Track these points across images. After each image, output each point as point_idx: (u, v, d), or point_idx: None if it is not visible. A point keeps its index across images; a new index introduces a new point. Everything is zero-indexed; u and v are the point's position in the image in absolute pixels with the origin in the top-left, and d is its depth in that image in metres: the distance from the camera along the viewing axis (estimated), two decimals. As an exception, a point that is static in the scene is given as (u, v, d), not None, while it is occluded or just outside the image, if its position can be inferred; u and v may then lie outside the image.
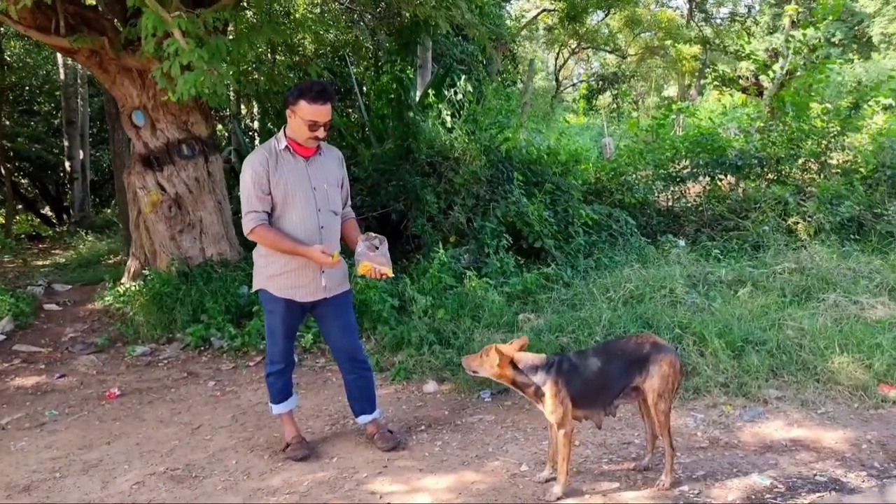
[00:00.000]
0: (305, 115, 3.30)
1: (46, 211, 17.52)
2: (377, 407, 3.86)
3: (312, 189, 3.44)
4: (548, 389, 3.07)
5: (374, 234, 3.50)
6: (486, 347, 3.19)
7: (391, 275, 3.44)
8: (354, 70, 10.64)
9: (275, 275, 3.47)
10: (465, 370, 3.27)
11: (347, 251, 3.60)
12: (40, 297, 7.57)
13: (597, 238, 7.36)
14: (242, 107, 14.52)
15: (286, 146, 3.41)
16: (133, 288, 6.79)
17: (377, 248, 3.43)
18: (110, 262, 9.94)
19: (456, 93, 8.15)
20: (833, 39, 15.48)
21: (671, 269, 6.10)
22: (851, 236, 7.14)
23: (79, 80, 14.35)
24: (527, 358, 3.15)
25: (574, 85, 31.33)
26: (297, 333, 4.18)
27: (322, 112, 3.31)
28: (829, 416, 3.87)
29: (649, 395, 3.09)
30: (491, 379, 3.21)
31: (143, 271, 6.93)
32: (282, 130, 3.46)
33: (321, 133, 3.37)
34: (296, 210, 3.40)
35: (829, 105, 8.82)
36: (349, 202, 3.73)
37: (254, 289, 3.64)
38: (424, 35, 9.41)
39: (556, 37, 24.83)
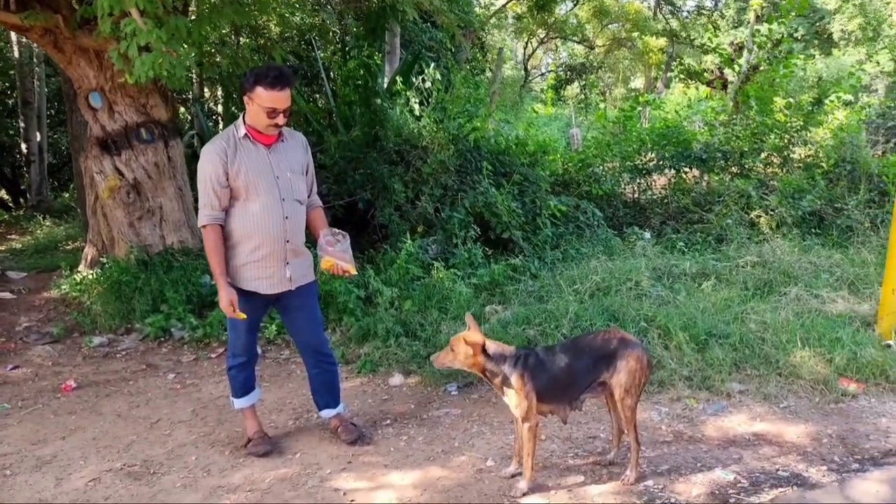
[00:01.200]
0: (263, 101, 3.17)
1: (2, 194, 16.96)
2: (341, 401, 3.80)
3: (276, 178, 3.32)
4: (514, 383, 3.04)
5: (336, 230, 3.44)
6: (452, 340, 3.14)
7: (354, 273, 3.42)
8: (321, 55, 10.45)
9: (238, 266, 3.35)
10: (437, 368, 3.21)
11: (312, 241, 3.52)
12: (-8, 284, 7.32)
13: (564, 229, 7.36)
14: (206, 90, 14.20)
15: (245, 134, 3.29)
16: (90, 276, 6.59)
17: (339, 241, 3.37)
18: (68, 247, 9.67)
19: (424, 80, 8.06)
20: (796, 35, 15.75)
21: (637, 261, 6.13)
22: (812, 230, 7.27)
23: (35, 59, 13.86)
24: (497, 346, 3.12)
25: (542, 75, 31.40)
26: (261, 325, 4.08)
27: (280, 98, 3.18)
28: (791, 410, 3.93)
29: (616, 391, 3.08)
30: (462, 370, 3.17)
31: (101, 259, 6.72)
32: (241, 117, 3.34)
33: (280, 120, 3.24)
34: (258, 200, 3.29)
35: (791, 100, 8.95)
36: (315, 189, 3.62)
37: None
38: (393, 21, 9.29)
39: (525, 26, 24.82)
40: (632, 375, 3.06)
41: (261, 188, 3.28)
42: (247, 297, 3.37)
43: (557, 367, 3.10)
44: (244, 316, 3.30)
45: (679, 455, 3.48)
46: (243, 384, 3.63)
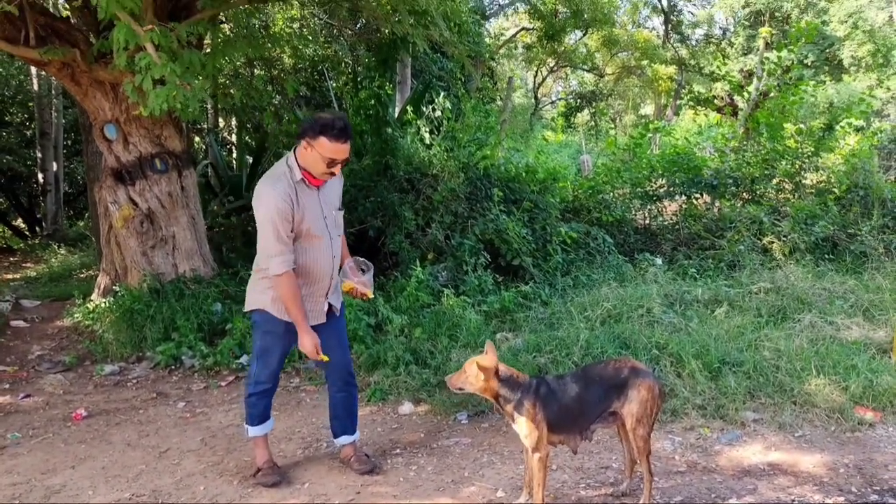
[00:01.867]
0: (325, 151, 3.19)
1: (18, 223, 17.17)
2: (357, 430, 3.78)
3: (324, 218, 3.39)
4: (524, 412, 3.02)
5: (362, 259, 3.53)
6: (466, 363, 3.12)
7: (371, 296, 3.51)
8: (333, 85, 10.59)
9: (280, 298, 3.35)
10: (450, 388, 3.19)
11: None
12: (7, 312, 7.37)
13: (574, 256, 7.35)
14: (220, 120, 14.40)
15: (301, 178, 3.28)
16: (103, 304, 6.64)
17: (363, 271, 3.47)
18: (82, 276, 9.74)
19: (434, 109, 8.14)
20: (806, 61, 15.79)
21: (648, 287, 6.10)
22: (826, 256, 7.21)
23: (53, 91, 14.13)
24: (509, 372, 3.10)
25: (552, 102, 31.59)
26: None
27: (342, 150, 3.21)
28: (806, 440, 3.86)
29: (628, 421, 3.04)
30: (476, 394, 3.14)
31: (114, 287, 6.77)
32: (292, 158, 3.30)
33: (337, 170, 3.29)
34: (314, 242, 3.34)
35: (802, 126, 8.94)
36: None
37: (248, 307, 3.50)
38: (403, 52, 9.41)
39: (535, 55, 25.06)
40: (643, 405, 3.02)
41: (315, 230, 3.33)
42: (286, 329, 3.40)
43: (568, 396, 3.07)
44: (327, 358, 3.38)
45: (693, 486, 3.42)
46: (262, 413, 3.62)
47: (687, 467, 3.63)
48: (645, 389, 3.03)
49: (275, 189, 3.22)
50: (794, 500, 3.23)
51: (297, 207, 3.24)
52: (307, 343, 3.30)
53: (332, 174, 3.30)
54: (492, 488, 3.45)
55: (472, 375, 3.05)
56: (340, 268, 3.54)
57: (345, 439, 3.74)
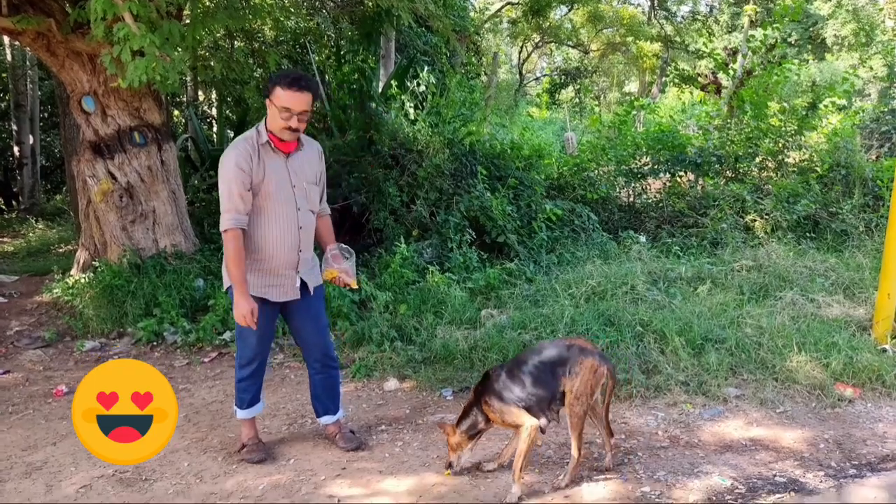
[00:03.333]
0: (279, 101, 3.15)
1: (-6, 197, 16.85)
2: (341, 407, 3.77)
3: (292, 187, 3.31)
4: (486, 412, 3.17)
5: (344, 246, 3.48)
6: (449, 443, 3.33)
7: (355, 286, 3.47)
8: (315, 59, 10.43)
9: (248, 271, 3.29)
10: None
11: (319, 247, 3.54)
12: (-16, 288, 7.25)
13: (559, 233, 7.36)
14: (200, 93, 14.17)
15: (267, 140, 3.25)
16: (82, 280, 6.54)
17: (346, 258, 3.42)
18: (61, 250, 9.60)
19: (419, 84, 8.06)
20: (790, 40, 15.81)
21: (632, 265, 6.12)
22: (807, 234, 7.28)
23: (28, 62, 13.80)
24: (462, 419, 3.27)
25: (537, 79, 31.42)
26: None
27: (296, 99, 3.14)
28: (787, 416, 3.91)
29: (567, 395, 3.11)
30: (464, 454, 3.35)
31: (94, 263, 6.67)
32: (262, 123, 3.29)
33: (294, 123, 3.18)
34: (275, 209, 3.27)
35: (785, 104, 8.97)
36: (325, 196, 3.60)
37: (225, 285, 3.44)
38: (387, 25, 9.27)
39: (520, 30, 24.88)
40: (584, 383, 3.08)
41: (279, 197, 3.27)
42: (259, 306, 3.32)
43: (520, 377, 3.15)
44: (255, 326, 3.26)
45: (675, 460, 3.46)
46: (252, 398, 3.58)
47: (669, 442, 3.67)
48: (587, 368, 3.08)
49: (236, 149, 3.23)
50: (774, 475, 3.28)
51: (258, 169, 3.21)
52: (241, 307, 3.19)
53: (290, 129, 3.21)
54: (477, 463, 3.46)
55: (449, 444, 3.29)
56: (322, 254, 3.49)
57: (327, 419, 3.73)
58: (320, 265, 3.53)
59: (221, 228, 3.23)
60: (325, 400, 3.70)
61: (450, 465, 3.32)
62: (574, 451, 3.16)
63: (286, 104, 3.15)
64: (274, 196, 3.26)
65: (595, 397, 3.14)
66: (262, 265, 3.32)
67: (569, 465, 3.21)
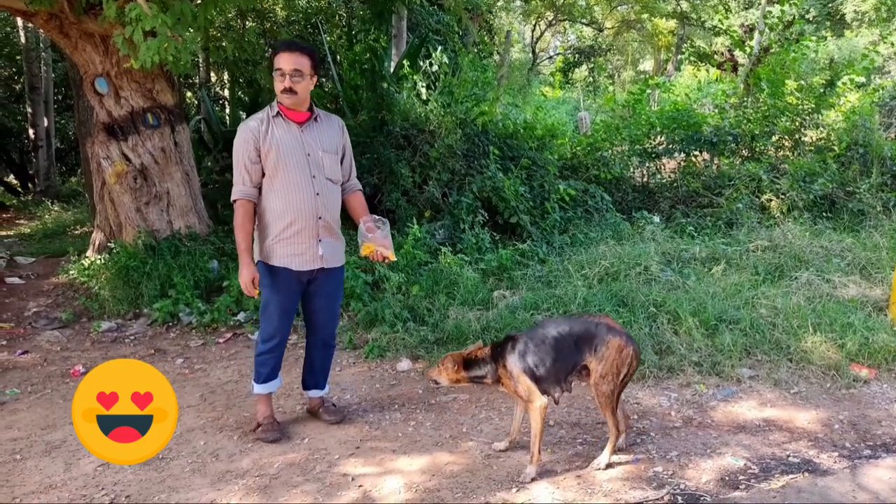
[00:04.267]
0: (275, 65, 3.30)
1: (11, 179, 17.01)
2: (328, 384, 3.88)
3: (306, 155, 3.39)
4: (501, 372, 3.13)
5: (377, 217, 3.50)
6: (443, 358, 3.26)
7: (394, 258, 3.49)
8: (327, 38, 10.39)
9: (271, 243, 3.40)
10: (428, 381, 3.35)
11: (351, 226, 3.58)
12: (2, 270, 7.35)
13: (572, 214, 7.32)
14: (212, 74, 14.16)
15: (278, 112, 3.38)
16: (98, 261, 6.60)
17: (379, 228, 3.42)
18: (77, 232, 9.69)
19: (431, 64, 8.00)
20: (808, 16, 15.53)
21: (646, 245, 6.09)
22: (824, 214, 7.20)
23: (41, 45, 13.83)
24: (472, 355, 3.21)
25: (550, 58, 31.11)
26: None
27: (285, 59, 3.26)
28: (801, 396, 3.90)
29: (593, 375, 3.09)
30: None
31: (109, 244, 6.73)
32: (276, 98, 3.42)
33: (287, 83, 3.28)
34: (289, 176, 3.35)
35: (803, 82, 8.84)
36: (353, 173, 3.66)
37: (255, 259, 3.52)
38: (399, 4, 9.20)
39: (533, 8, 24.58)
40: (610, 362, 3.06)
41: (291, 165, 3.35)
42: (280, 277, 3.40)
43: (543, 346, 3.12)
44: (257, 293, 3.36)
45: (689, 441, 3.45)
46: (270, 372, 3.62)
47: (682, 422, 3.66)
48: (613, 348, 3.07)
49: (246, 123, 3.41)
50: (788, 455, 3.27)
51: (267, 138, 3.32)
52: (243, 275, 3.33)
53: (285, 91, 3.29)
54: (489, 443, 3.48)
55: (446, 370, 3.20)
56: (356, 228, 3.51)
57: (315, 393, 3.83)
58: (357, 241, 3.54)
59: (231, 199, 3.40)
60: (319, 375, 3.79)
61: (435, 383, 3.28)
62: (611, 429, 3.15)
63: (278, 65, 3.29)
64: (287, 164, 3.34)
65: (621, 378, 3.13)
66: (283, 234, 3.38)
67: (608, 444, 3.18)
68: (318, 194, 3.39)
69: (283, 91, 3.31)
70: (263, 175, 3.37)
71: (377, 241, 3.37)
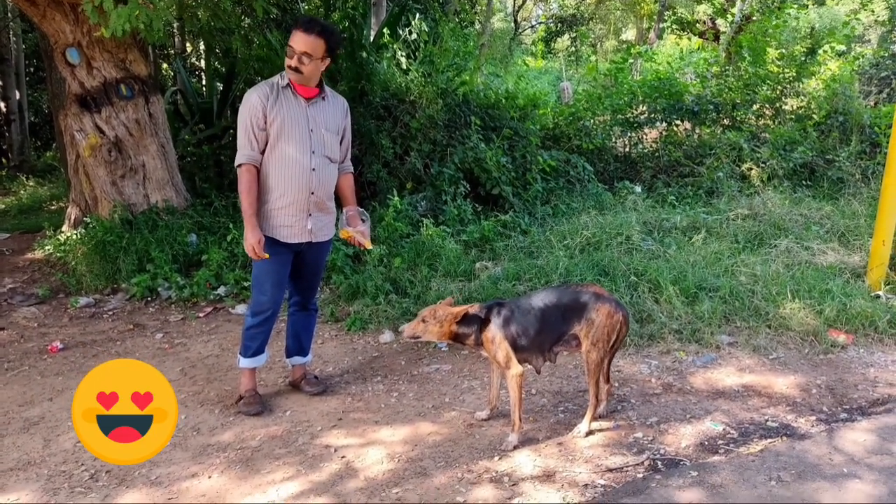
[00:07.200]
0: (290, 41, 3.26)
1: (-18, 155, 16.62)
2: (311, 353, 3.86)
3: (309, 130, 3.38)
4: (484, 335, 3.10)
5: (363, 210, 3.60)
6: (422, 313, 3.20)
7: (370, 247, 3.63)
8: (304, 7, 10.18)
9: (264, 212, 3.40)
10: (405, 338, 3.28)
11: (338, 202, 3.59)
12: (-25, 246, 7.21)
13: (554, 185, 7.30)
14: (188, 45, 13.87)
15: (288, 83, 3.36)
16: (74, 236, 6.49)
17: (363, 220, 3.53)
18: (52, 207, 9.52)
19: (411, 33, 7.87)
20: (789, -17, 15.44)
21: (628, 215, 6.10)
22: (803, 182, 7.25)
23: (10, 14, 13.44)
24: (467, 311, 3.15)
25: (532, 27, 30.82)
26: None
27: (298, 39, 3.22)
28: (780, 362, 3.94)
29: (583, 343, 3.10)
30: (432, 341, 3.26)
31: (85, 219, 6.61)
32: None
33: (294, 62, 3.26)
34: (288, 149, 3.35)
35: (784, 50, 8.83)
36: (349, 155, 3.67)
37: None
38: (378, -29, 9.02)
39: (515, -24, 24.24)
40: (600, 329, 3.07)
41: (293, 138, 3.34)
42: (271, 248, 3.39)
43: (528, 316, 3.12)
44: (268, 255, 3.35)
45: (668, 407, 3.49)
46: (258, 347, 3.61)
47: (662, 389, 3.70)
48: (603, 314, 3.07)
49: (255, 89, 3.37)
50: (766, 420, 3.31)
51: (273, 108, 3.31)
52: (248, 238, 3.32)
53: (292, 69, 3.28)
54: (472, 413, 3.49)
55: (438, 320, 3.12)
56: (340, 212, 3.56)
57: (297, 360, 3.82)
58: (337, 223, 3.61)
59: (235, 163, 3.38)
60: (304, 339, 3.79)
61: (415, 337, 3.19)
62: (591, 398, 3.17)
63: (291, 42, 3.26)
64: (289, 137, 3.34)
65: (610, 344, 3.13)
66: (274, 204, 3.38)
67: (587, 413, 3.21)
68: (313, 170, 3.39)
69: (288, 67, 3.29)
70: (267, 143, 3.36)
71: (357, 231, 3.49)
